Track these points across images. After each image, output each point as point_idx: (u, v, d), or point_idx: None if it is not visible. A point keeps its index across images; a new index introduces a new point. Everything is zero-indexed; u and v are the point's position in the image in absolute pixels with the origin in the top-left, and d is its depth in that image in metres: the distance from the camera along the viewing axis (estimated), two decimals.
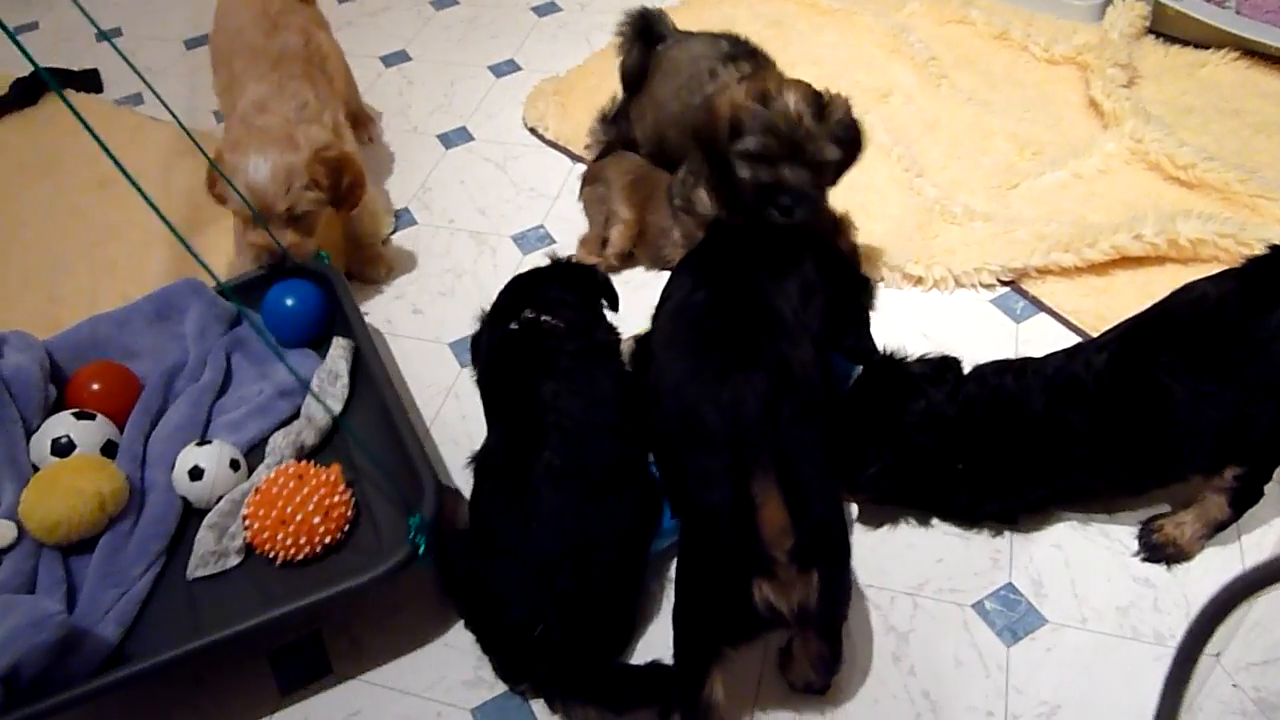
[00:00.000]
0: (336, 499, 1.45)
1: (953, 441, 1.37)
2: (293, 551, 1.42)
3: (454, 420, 1.72)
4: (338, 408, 1.63)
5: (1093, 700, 1.27)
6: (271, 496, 1.43)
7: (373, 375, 1.61)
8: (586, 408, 1.39)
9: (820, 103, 1.50)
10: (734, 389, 1.16)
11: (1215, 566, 1.39)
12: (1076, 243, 1.78)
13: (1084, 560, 1.42)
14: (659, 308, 1.43)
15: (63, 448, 1.53)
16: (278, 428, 1.63)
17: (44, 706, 1.23)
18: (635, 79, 1.93)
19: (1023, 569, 1.42)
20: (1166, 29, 2.34)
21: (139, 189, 1.05)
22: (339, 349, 1.69)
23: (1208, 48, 2.27)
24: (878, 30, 2.44)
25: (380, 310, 1.95)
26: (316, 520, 1.42)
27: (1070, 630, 1.35)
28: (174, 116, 1.68)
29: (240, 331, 1.79)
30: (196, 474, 1.50)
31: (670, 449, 1.27)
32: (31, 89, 2.62)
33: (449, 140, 2.36)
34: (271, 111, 1.82)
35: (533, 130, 2.34)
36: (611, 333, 1.59)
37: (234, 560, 1.46)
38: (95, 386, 1.64)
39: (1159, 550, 1.40)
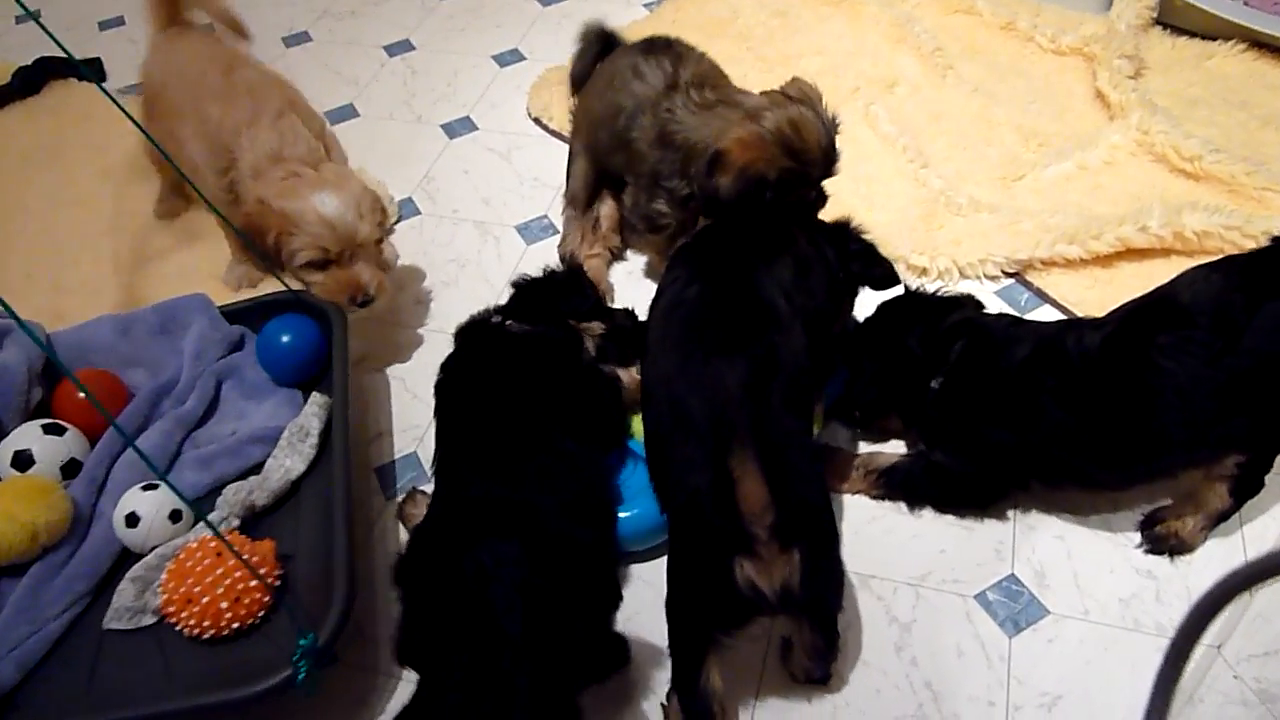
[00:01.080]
0: (253, 584, 1.33)
1: (935, 357, 1.42)
2: (195, 631, 1.32)
3: None
4: (302, 467, 1.54)
5: (1094, 691, 1.27)
6: (184, 570, 1.34)
7: (332, 454, 1.51)
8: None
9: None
10: (714, 372, 1.17)
11: (1217, 558, 1.39)
12: (1081, 235, 1.77)
13: (1086, 552, 1.42)
14: (653, 303, 1.43)
15: (22, 462, 1.49)
16: (245, 474, 1.55)
17: None
18: (578, 86, 1.96)
19: (1025, 560, 1.42)
20: (1174, 20, 2.32)
21: (181, 173, 1.02)
22: (314, 406, 1.59)
23: (1215, 39, 2.26)
24: (883, 20, 2.43)
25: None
26: (224, 605, 1.31)
27: (1072, 621, 1.35)
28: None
29: (236, 358, 1.72)
30: (133, 521, 1.43)
31: (660, 441, 1.27)
32: (34, 79, 2.62)
33: (453, 130, 2.35)
34: (289, 157, 1.70)
35: (536, 120, 2.33)
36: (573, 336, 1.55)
37: (149, 619, 1.38)
38: (81, 396, 1.58)
39: (1161, 542, 1.40)
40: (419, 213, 2.14)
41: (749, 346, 1.22)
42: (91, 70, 2.70)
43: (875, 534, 1.47)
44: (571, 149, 1.95)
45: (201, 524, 1.45)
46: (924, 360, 1.43)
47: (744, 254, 1.41)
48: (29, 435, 1.52)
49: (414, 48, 2.65)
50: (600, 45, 1.90)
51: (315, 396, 1.60)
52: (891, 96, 2.23)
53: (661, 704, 1.29)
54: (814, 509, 1.16)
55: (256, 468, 1.56)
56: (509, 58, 2.56)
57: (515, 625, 1.10)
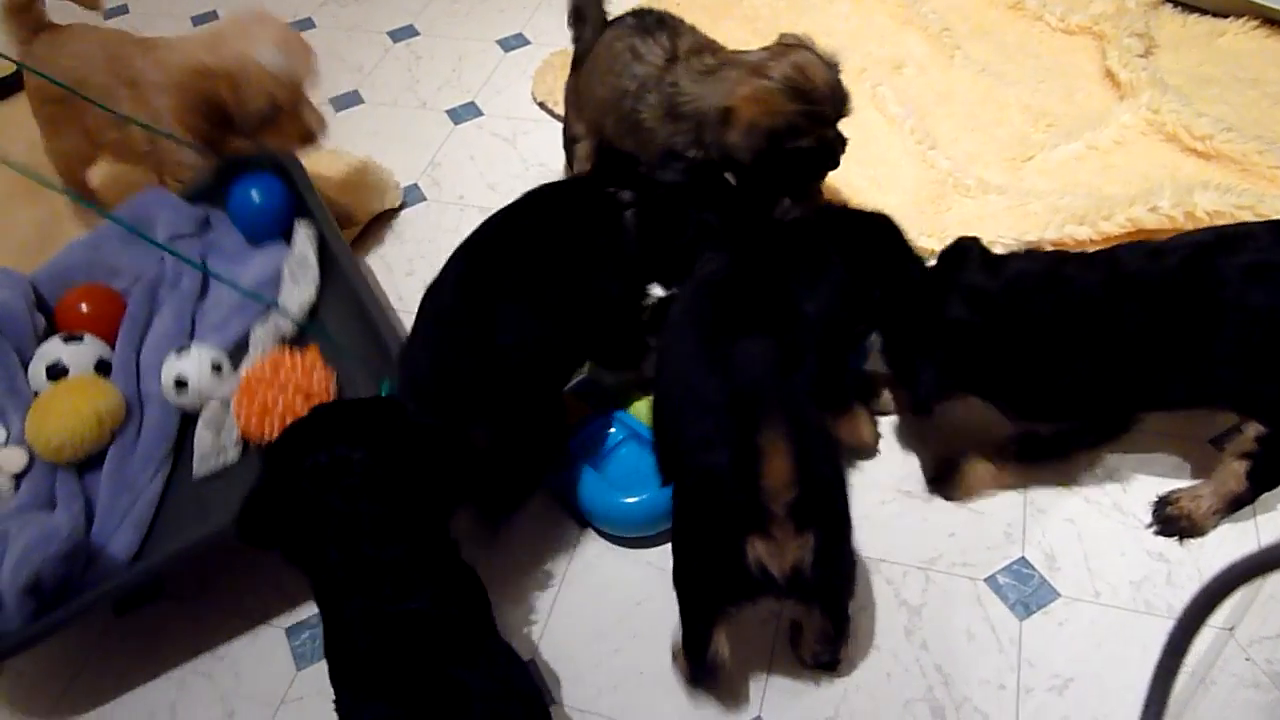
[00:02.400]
0: (316, 381, 1.49)
1: (999, 318, 1.31)
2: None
3: None
4: (311, 292, 1.70)
5: (1105, 674, 1.27)
6: (253, 387, 1.48)
7: (337, 258, 1.69)
8: None
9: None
10: (744, 351, 1.16)
11: (1230, 540, 1.38)
12: (1092, 215, 1.76)
13: (1097, 534, 1.42)
14: (683, 285, 1.42)
15: (58, 372, 1.59)
16: (258, 322, 1.70)
17: (76, 606, 1.33)
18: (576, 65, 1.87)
19: (1035, 543, 1.41)
20: None
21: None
22: (304, 235, 1.74)
23: (1226, 16, 2.23)
24: (890, 1, 2.41)
25: (392, 288, 1.95)
26: (299, 403, 1.45)
27: (1083, 604, 1.34)
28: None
29: (210, 236, 1.84)
30: (181, 384, 1.56)
31: (672, 415, 1.26)
32: None
33: (458, 116, 2.34)
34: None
35: (542, 105, 2.32)
36: None
37: (233, 455, 1.53)
38: (83, 308, 1.70)
39: (1172, 523, 1.39)
40: (424, 199, 2.14)
41: (779, 332, 1.23)
42: None
43: (885, 518, 1.47)
44: (571, 131, 1.93)
45: (243, 363, 1.62)
46: (984, 327, 1.32)
47: (774, 246, 1.40)
48: (54, 349, 1.62)
49: (418, 33, 2.64)
50: (598, 21, 1.82)
51: (300, 226, 1.77)
52: (899, 77, 2.21)
53: (674, 651, 1.32)
54: (832, 493, 1.16)
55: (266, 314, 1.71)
56: (513, 42, 2.55)
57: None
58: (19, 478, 1.52)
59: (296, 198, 1.82)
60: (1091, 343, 1.27)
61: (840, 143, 1.60)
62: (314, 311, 1.72)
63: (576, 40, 1.82)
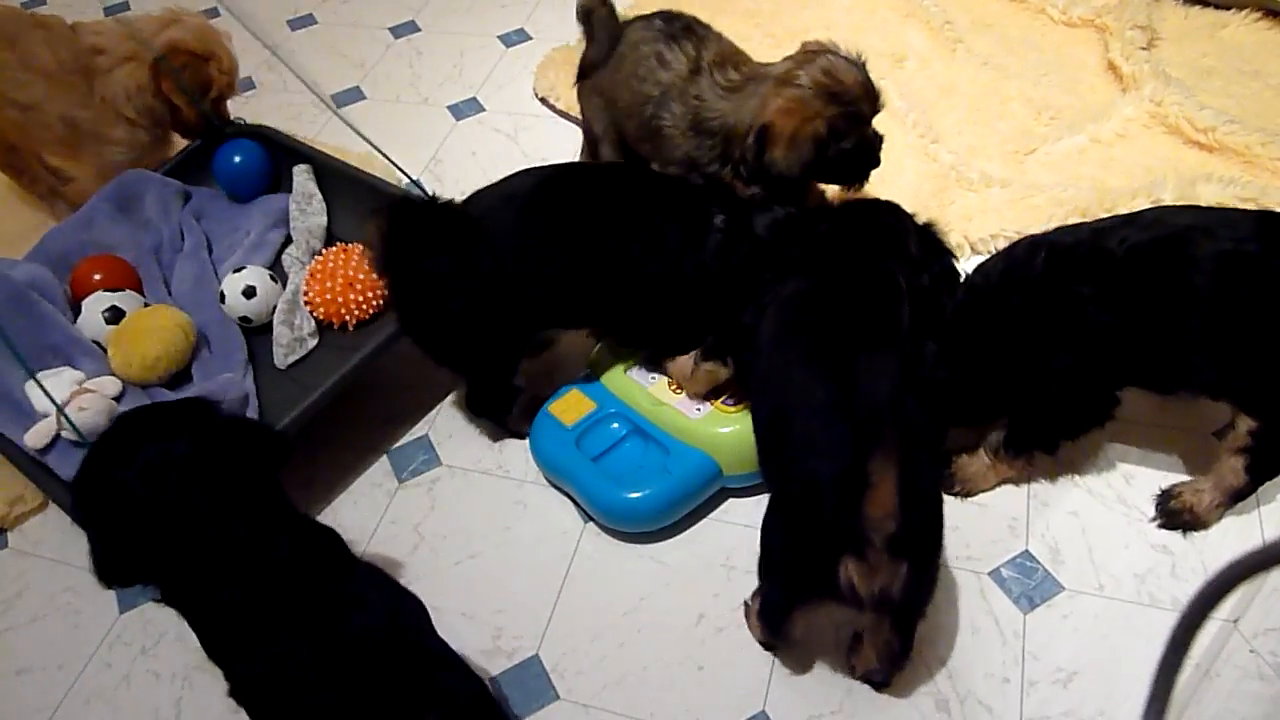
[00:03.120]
0: (362, 273, 1.67)
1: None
2: (366, 308, 1.68)
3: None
4: (322, 219, 1.85)
5: (1110, 667, 1.27)
6: (330, 270, 1.68)
7: (339, 170, 1.87)
8: None
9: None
10: (869, 368, 1.15)
11: (1233, 533, 1.39)
12: (1095, 208, 1.76)
13: (1101, 527, 1.42)
14: (762, 307, 1.38)
15: (115, 315, 1.67)
16: (278, 254, 1.84)
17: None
18: (591, 73, 1.83)
19: (1039, 536, 1.41)
20: None
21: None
22: (301, 173, 1.88)
23: (1229, 8, 2.23)
24: None
25: None
26: (361, 278, 1.67)
27: (1087, 597, 1.35)
28: None
29: (196, 203, 1.93)
30: (250, 292, 1.69)
31: (776, 422, 1.24)
32: None
33: (459, 111, 2.34)
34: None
35: (543, 100, 2.32)
36: None
37: (311, 342, 1.70)
38: (98, 276, 1.74)
39: (1175, 517, 1.40)
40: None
41: (898, 346, 1.23)
42: None
43: None
44: (594, 136, 1.90)
45: (293, 273, 1.78)
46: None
47: (867, 251, 1.38)
48: (102, 300, 1.69)
49: (419, 29, 2.64)
50: (614, 31, 1.79)
51: (298, 168, 1.90)
52: (901, 71, 2.21)
53: (745, 602, 1.36)
54: (932, 527, 1.15)
55: (284, 247, 1.85)
56: (515, 38, 2.54)
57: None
58: (118, 401, 1.59)
59: (277, 152, 1.95)
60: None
61: (879, 140, 1.60)
62: (329, 237, 1.87)
63: (590, 40, 1.79)
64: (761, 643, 1.34)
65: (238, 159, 1.93)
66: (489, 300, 1.43)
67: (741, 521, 1.49)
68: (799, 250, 1.39)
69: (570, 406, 1.55)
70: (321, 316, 1.70)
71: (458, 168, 2.19)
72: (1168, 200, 1.72)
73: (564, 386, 1.59)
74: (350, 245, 1.74)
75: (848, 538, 1.05)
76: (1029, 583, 1.37)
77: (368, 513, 1.58)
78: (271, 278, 1.73)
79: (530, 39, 2.53)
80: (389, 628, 1.07)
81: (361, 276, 1.67)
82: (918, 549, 1.09)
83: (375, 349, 1.60)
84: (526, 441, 1.60)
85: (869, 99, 1.54)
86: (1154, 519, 1.41)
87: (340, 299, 1.67)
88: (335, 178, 1.91)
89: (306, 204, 1.87)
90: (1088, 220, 1.71)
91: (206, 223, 1.91)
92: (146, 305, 1.73)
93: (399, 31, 2.64)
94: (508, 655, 1.38)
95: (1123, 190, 1.78)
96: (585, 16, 1.76)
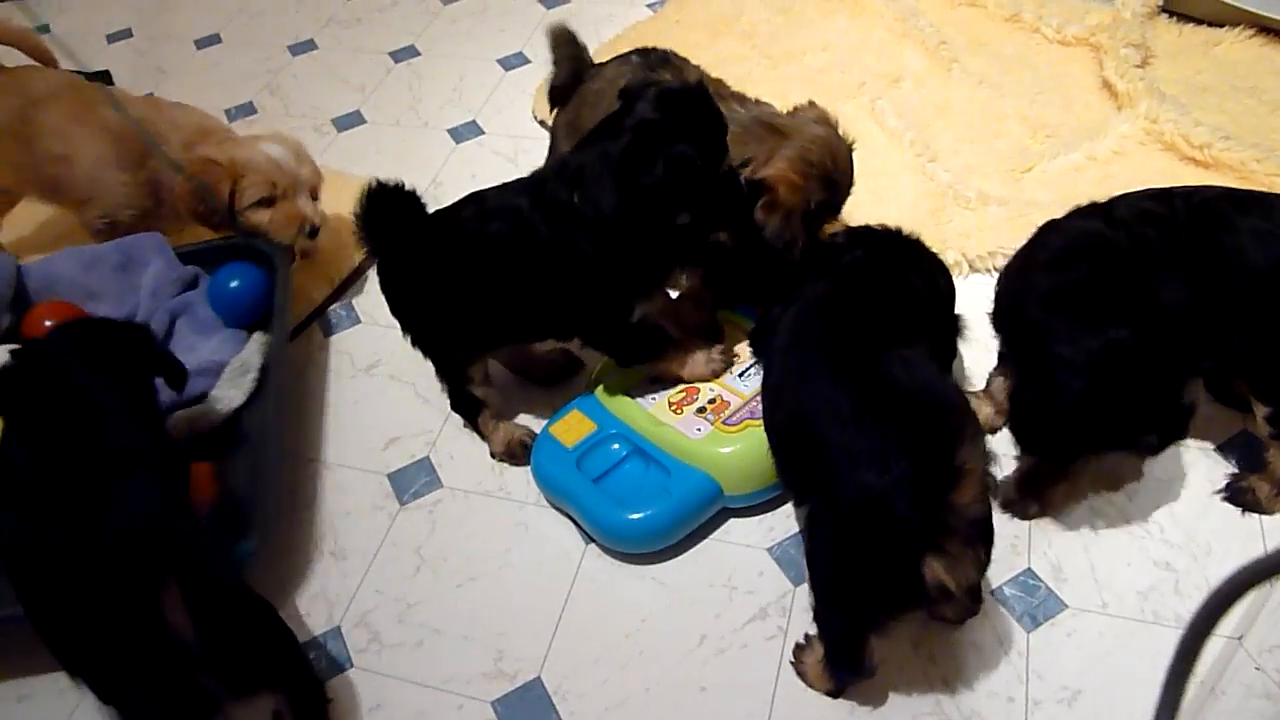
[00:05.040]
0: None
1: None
2: None
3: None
4: (242, 399, 1.73)
5: (1114, 685, 1.27)
6: None
7: (267, 388, 1.72)
8: None
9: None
10: (902, 362, 1.14)
11: (1235, 550, 1.38)
12: None
13: (1103, 545, 1.41)
14: (773, 318, 1.39)
15: None
16: (191, 402, 1.72)
17: None
18: (561, 97, 1.84)
19: (1042, 554, 1.41)
20: (1180, 8, 2.31)
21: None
22: (255, 344, 1.79)
23: (1222, 25, 2.25)
24: (888, 15, 2.43)
25: None
26: None
27: (1090, 615, 1.34)
28: None
29: (190, 296, 1.88)
30: None
31: (804, 436, 1.19)
32: None
33: (459, 134, 2.36)
34: (214, 129, 1.98)
35: (542, 123, 2.33)
36: None
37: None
38: (47, 324, 1.71)
39: (1240, 494, 1.43)
40: None
41: (923, 336, 1.24)
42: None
43: None
44: None
45: None
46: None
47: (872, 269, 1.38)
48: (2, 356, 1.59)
49: (419, 53, 2.66)
50: (574, 53, 1.81)
51: (256, 335, 1.80)
52: (897, 91, 2.22)
53: (798, 643, 1.33)
54: (990, 507, 1.14)
55: (199, 399, 1.72)
56: (514, 61, 2.57)
57: None
58: None
59: (269, 299, 1.83)
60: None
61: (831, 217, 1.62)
62: (237, 419, 1.72)
63: (555, 74, 1.82)
64: (830, 692, 1.29)
65: (234, 284, 1.82)
66: (453, 294, 1.50)
67: (743, 542, 1.48)
68: (819, 265, 1.41)
69: (571, 427, 1.55)
70: None
71: (458, 190, 2.16)
72: None
73: (564, 407, 1.59)
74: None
75: (927, 536, 1.04)
76: (1032, 601, 1.36)
77: (369, 535, 1.58)
78: None
79: (529, 62, 2.55)
80: (147, 532, 1.14)
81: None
82: (988, 531, 1.10)
83: None
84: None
85: (848, 190, 1.57)
86: (1219, 491, 1.44)
87: None
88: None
89: (240, 376, 1.74)
90: None
91: (182, 322, 1.85)
92: None
93: (399, 56, 2.66)
94: (510, 678, 1.37)
95: None
96: (556, 45, 1.79)
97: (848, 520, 1.11)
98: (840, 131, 1.55)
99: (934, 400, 1.10)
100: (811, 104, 1.59)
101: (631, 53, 1.77)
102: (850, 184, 1.56)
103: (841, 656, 1.23)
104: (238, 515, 1.53)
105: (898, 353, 1.17)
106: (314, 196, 1.96)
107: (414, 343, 1.59)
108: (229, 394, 1.72)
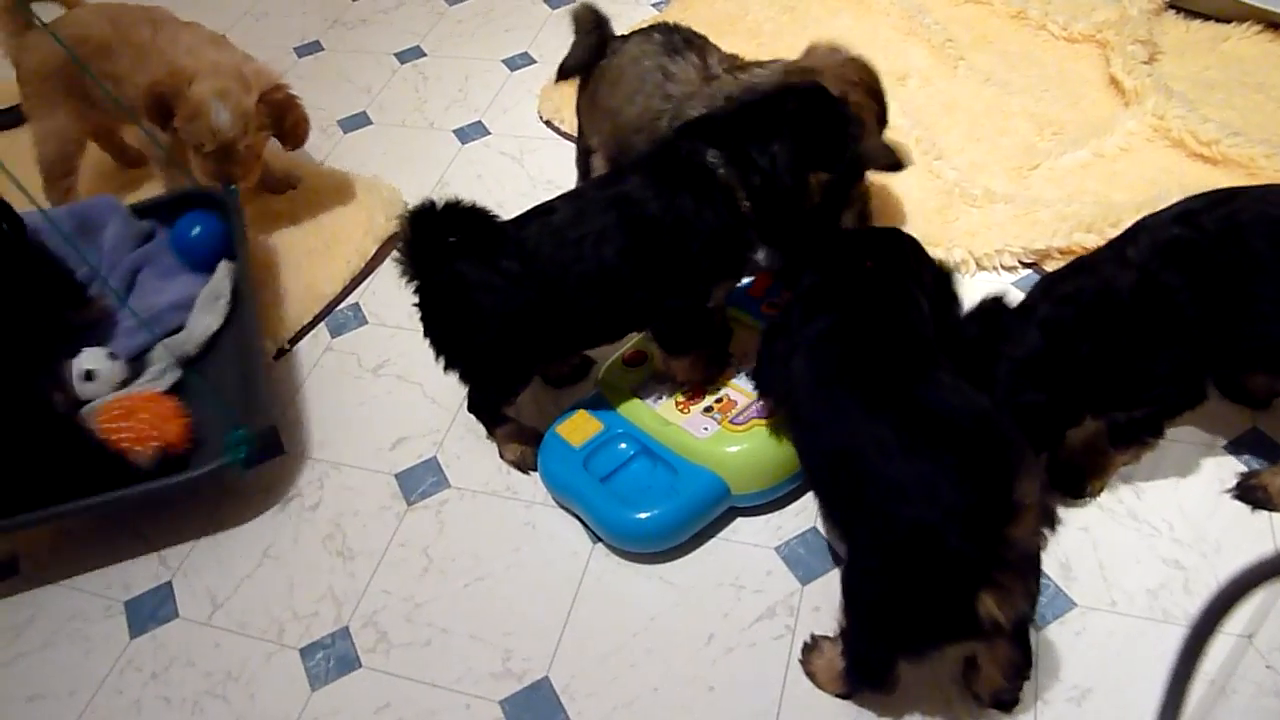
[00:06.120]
0: (171, 430, 1.63)
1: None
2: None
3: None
4: (218, 322, 1.88)
5: (1124, 683, 1.26)
6: (114, 418, 1.62)
7: (243, 303, 1.86)
8: None
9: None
10: (937, 390, 1.14)
11: (1244, 547, 1.38)
12: (1099, 223, 1.76)
13: (1112, 543, 1.41)
14: (779, 343, 1.37)
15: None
16: (167, 335, 1.85)
17: None
18: (582, 70, 1.86)
19: (1050, 552, 1.39)
20: (1187, 4, 2.30)
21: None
22: (223, 271, 1.92)
23: (1230, 21, 2.23)
24: (893, 12, 2.42)
25: (402, 304, 1.96)
26: (150, 443, 1.59)
27: (1100, 613, 1.34)
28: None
29: (149, 248, 1.99)
30: (89, 376, 1.73)
31: (842, 471, 1.18)
32: None
33: (465, 135, 2.36)
34: (222, 49, 2.02)
35: (548, 123, 2.34)
36: None
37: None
38: None
39: (1250, 492, 1.42)
40: None
41: (940, 359, 1.21)
42: None
43: None
44: (584, 144, 1.92)
45: (143, 379, 1.80)
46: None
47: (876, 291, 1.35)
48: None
49: (425, 54, 2.66)
50: (597, 30, 1.83)
51: (222, 264, 1.93)
52: (903, 89, 2.22)
53: (806, 643, 1.33)
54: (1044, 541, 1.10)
55: (177, 330, 1.87)
56: (520, 61, 2.57)
57: None
58: None
59: (228, 241, 1.96)
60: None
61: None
62: (211, 344, 1.88)
63: (573, 52, 1.84)
64: (839, 695, 1.29)
65: (195, 231, 1.95)
66: (519, 311, 1.43)
67: (750, 541, 1.48)
68: (820, 281, 1.38)
69: (577, 427, 1.55)
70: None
71: (464, 191, 2.18)
72: None
73: (571, 407, 1.59)
74: (164, 398, 1.71)
75: (982, 571, 1.01)
76: (1040, 599, 1.35)
77: (376, 535, 1.58)
78: (111, 356, 1.77)
79: (535, 62, 2.55)
80: None
81: (153, 431, 1.60)
82: (1037, 563, 1.08)
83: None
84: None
85: (884, 96, 1.68)
86: (1229, 489, 1.43)
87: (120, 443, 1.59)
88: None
89: (211, 303, 1.89)
90: (1092, 234, 1.73)
91: (145, 272, 1.97)
92: None
93: (405, 57, 2.66)
94: (518, 677, 1.37)
95: (1127, 204, 1.78)
96: (581, 19, 1.82)
97: (898, 554, 1.09)
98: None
99: (984, 428, 1.08)
100: (815, 44, 1.68)
101: (654, 29, 1.77)
102: (883, 91, 1.68)
103: (867, 674, 1.22)
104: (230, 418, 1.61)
105: (932, 376, 1.17)
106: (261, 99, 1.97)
107: (462, 376, 1.53)
108: (205, 320, 1.87)
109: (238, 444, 1.54)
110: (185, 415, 1.67)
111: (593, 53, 1.82)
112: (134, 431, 1.59)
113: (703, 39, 1.75)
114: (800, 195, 1.42)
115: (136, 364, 1.83)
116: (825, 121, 1.43)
